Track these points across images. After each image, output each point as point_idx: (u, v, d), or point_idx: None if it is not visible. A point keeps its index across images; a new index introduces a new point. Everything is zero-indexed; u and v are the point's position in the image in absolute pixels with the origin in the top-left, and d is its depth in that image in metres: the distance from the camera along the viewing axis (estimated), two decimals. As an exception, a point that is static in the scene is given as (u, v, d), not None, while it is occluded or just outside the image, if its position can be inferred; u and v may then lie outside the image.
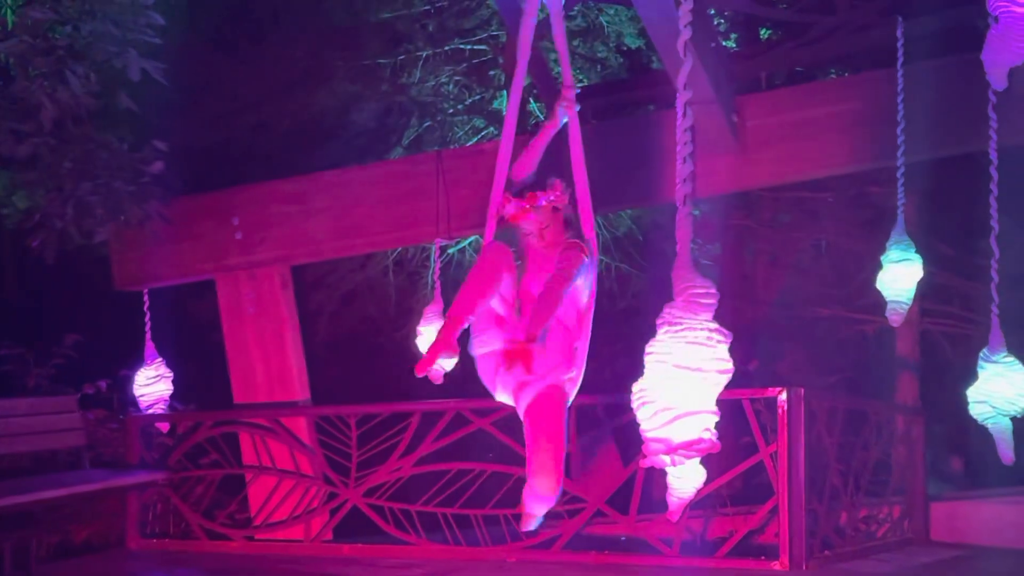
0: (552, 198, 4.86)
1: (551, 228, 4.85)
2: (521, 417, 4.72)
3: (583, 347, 4.67)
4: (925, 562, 8.28)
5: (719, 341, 3.69)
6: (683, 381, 3.64)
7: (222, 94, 10.82)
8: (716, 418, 3.73)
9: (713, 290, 3.73)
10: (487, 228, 4.91)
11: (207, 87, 10.33)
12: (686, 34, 3.68)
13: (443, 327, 4.60)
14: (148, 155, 8.36)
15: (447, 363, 7.78)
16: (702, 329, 3.66)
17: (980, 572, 8.06)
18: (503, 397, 4.78)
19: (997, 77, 4.64)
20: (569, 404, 4.64)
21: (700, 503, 8.04)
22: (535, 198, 4.84)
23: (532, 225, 4.87)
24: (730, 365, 3.72)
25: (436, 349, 4.54)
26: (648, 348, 3.71)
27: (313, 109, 12.07)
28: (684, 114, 3.78)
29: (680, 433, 3.67)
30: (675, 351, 3.65)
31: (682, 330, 3.67)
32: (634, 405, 3.76)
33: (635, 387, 3.74)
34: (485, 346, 4.67)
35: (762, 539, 8.18)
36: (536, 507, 4.74)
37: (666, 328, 3.69)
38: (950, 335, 12.45)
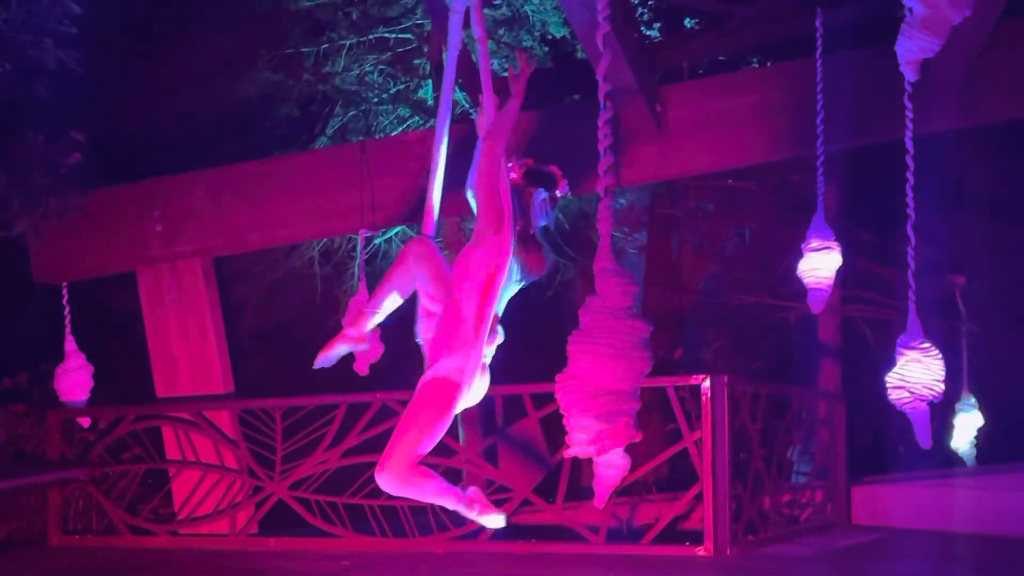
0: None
1: None
2: None
3: (479, 334, 4.13)
4: (846, 545, 8.42)
5: (640, 332, 3.72)
6: (607, 370, 3.68)
7: (142, 84, 10.64)
8: (637, 406, 3.77)
9: (634, 280, 3.77)
10: (425, 220, 4.56)
11: (126, 77, 10.15)
12: (605, 27, 3.70)
13: (356, 318, 4.54)
14: (66, 146, 8.22)
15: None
16: (624, 318, 3.70)
17: (899, 554, 8.20)
18: None
19: (911, 69, 4.72)
20: (460, 395, 4.12)
21: (626, 490, 8.12)
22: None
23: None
24: (650, 353, 3.75)
25: (336, 338, 4.48)
26: (572, 338, 3.74)
27: (235, 99, 11.92)
28: (604, 106, 3.79)
29: (603, 420, 3.70)
30: (599, 340, 3.69)
31: (604, 319, 3.70)
32: (558, 394, 3.79)
33: (559, 376, 3.77)
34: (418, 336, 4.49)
35: (688, 525, 8.28)
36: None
37: (589, 319, 3.72)
38: (871, 321, 12.65)
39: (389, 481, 4.03)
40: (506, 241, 4.03)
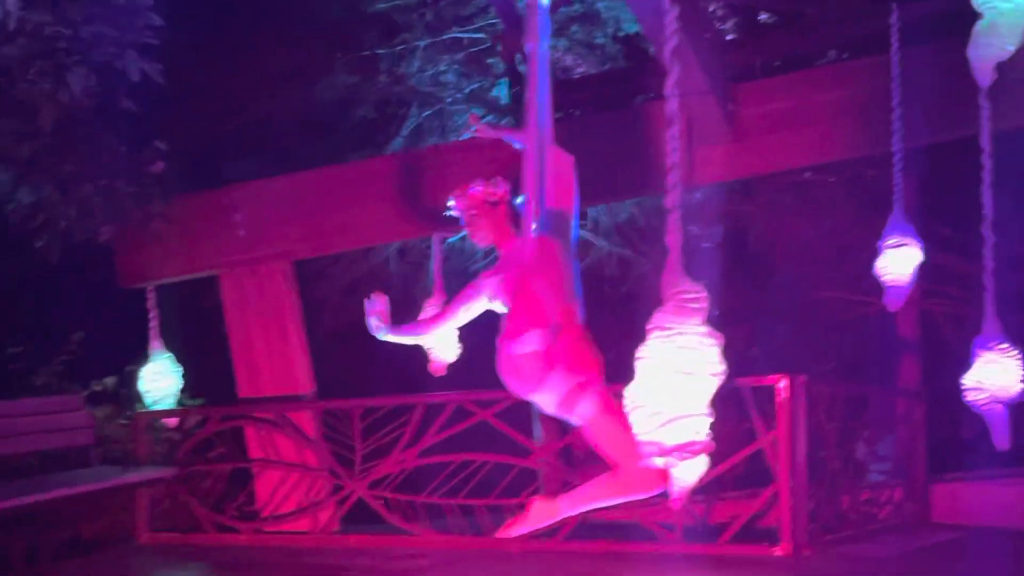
0: (484, 189, 4.80)
1: (481, 219, 4.80)
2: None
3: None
4: (925, 544, 8.34)
5: (710, 345, 3.75)
6: (674, 385, 3.71)
7: (221, 91, 10.84)
8: (709, 420, 3.80)
9: (704, 294, 3.79)
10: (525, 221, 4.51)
11: (206, 85, 10.36)
12: (672, 42, 3.73)
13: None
14: (149, 155, 8.44)
15: (447, 355, 7.87)
16: (693, 334, 3.73)
17: (978, 553, 8.12)
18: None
19: (982, 73, 4.69)
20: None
21: (703, 488, 8.10)
22: (464, 187, 4.85)
23: (462, 215, 4.87)
24: (722, 367, 3.78)
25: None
26: (638, 353, 3.78)
27: (312, 102, 12.10)
28: (672, 120, 3.82)
29: (673, 436, 3.74)
30: (666, 356, 3.72)
31: (673, 335, 3.73)
32: (627, 409, 3.83)
33: (626, 391, 3.81)
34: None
35: (765, 522, 8.24)
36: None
37: (657, 333, 3.76)
38: (951, 315, 12.48)
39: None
40: None
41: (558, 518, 4.80)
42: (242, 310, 9.64)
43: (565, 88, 11.12)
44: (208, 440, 9.47)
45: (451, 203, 4.87)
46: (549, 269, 4.39)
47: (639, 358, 3.78)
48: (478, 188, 4.72)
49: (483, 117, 13.00)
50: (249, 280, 9.57)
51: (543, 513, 4.76)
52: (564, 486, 8.38)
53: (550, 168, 4.37)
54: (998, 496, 9.36)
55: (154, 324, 9.86)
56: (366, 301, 4.47)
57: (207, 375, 10.47)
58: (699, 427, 3.75)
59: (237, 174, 9.94)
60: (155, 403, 9.73)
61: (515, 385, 4.45)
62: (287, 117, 11.95)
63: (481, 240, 4.73)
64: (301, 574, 7.67)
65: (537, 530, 7.82)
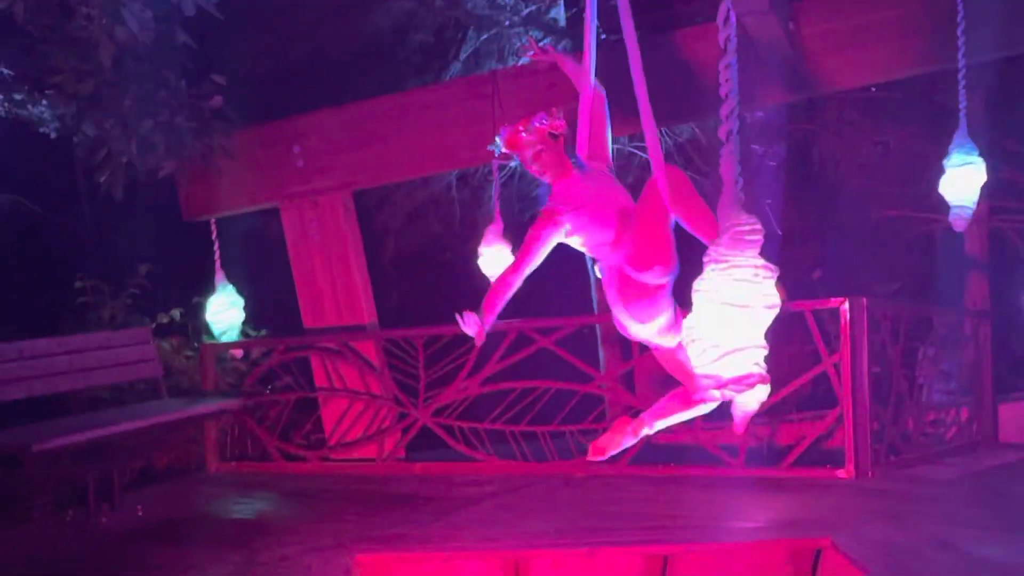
0: (548, 123, 4.69)
1: (545, 154, 4.63)
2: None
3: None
4: (991, 465, 8.28)
5: (765, 277, 3.73)
6: (730, 318, 3.69)
7: (276, 22, 10.83)
8: (765, 352, 3.78)
9: (758, 226, 3.76)
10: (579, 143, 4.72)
11: (261, 16, 10.34)
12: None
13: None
14: (207, 90, 8.47)
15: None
16: (748, 266, 3.70)
17: (1047, 474, 8.06)
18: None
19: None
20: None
21: (768, 410, 8.11)
22: (528, 121, 4.69)
23: (525, 150, 4.69)
24: (777, 300, 3.75)
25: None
26: (695, 285, 3.76)
27: (368, 30, 12.05)
28: (726, 50, 3.76)
29: (729, 369, 3.73)
30: (722, 288, 3.70)
31: (728, 267, 3.71)
32: (684, 342, 3.82)
33: (684, 323, 3.80)
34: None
35: (831, 444, 8.23)
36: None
37: (712, 266, 3.74)
38: (1022, 232, 12.27)
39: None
40: None
41: (641, 436, 4.83)
42: (304, 241, 9.70)
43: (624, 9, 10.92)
44: (274, 370, 9.61)
45: (509, 137, 4.75)
46: (664, 212, 4.37)
47: (696, 291, 3.76)
48: (544, 121, 4.64)
49: (540, 41, 12.90)
50: (309, 211, 9.62)
51: (629, 431, 4.80)
52: (627, 410, 8.43)
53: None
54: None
55: (218, 256, 9.99)
56: (459, 320, 4.43)
57: (271, 306, 10.59)
58: (755, 359, 3.74)
59: (296, 105, 9.94)
60: (221, 335, 9.89)
61: (633, 310, 4.41)
62: (345, 46, 11.91)
63: (544, 173, 4.63)
64: (368, 501, 7.78)
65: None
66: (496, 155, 4.81)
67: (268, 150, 9.73)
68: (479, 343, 4.49)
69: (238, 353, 9.82)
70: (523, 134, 4.61)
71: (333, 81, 10.88)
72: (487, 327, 4.31)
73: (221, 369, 9.79)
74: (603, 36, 9.78)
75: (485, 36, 13.11)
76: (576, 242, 4.49)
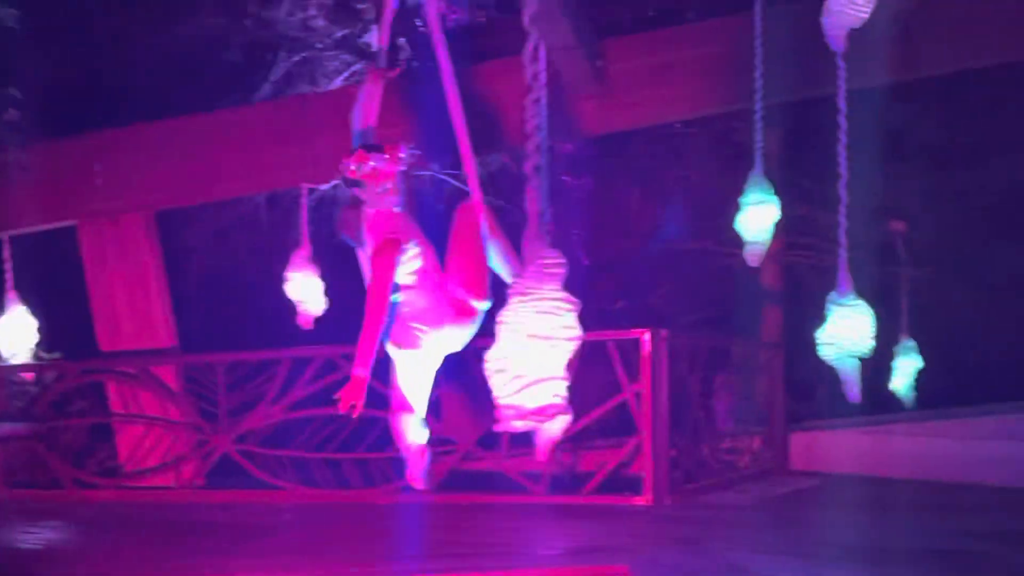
0: (408, 155, 4.65)
1: (399, 186, 4.52)
2: None
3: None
4: (782, 492, 8.60)
5: (567, 310, 3.78)
6: (534, 349, 3.73)
7: (79, 35, 10.48)
8: (566, 383, 3.83)
9: (562, 259, 3.81)
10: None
11: (63, 28, 10.00)
12: (532, 8, 3.71)
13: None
14: (2, 103, 8.15)
15: (315, 308, 7.83)
16: (551, 299, 3.75)
17: (835, 500, 8.40)
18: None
19: (836, 39, 4.79)
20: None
21: (571, 438, 8.23)
22: (397, 150, 4.51)
23: (388, 180, 4.49)
24: (578, 332, 3.80)
25: None
26: (500, 317, 3.79)
27: (176, 47, 11.76)
28: (532, 87, 3.81)
29: (532, 400, 3.76)
30: (526, 320, 3.74)
31: (532, 300, 3.75)
32: (487, 372, 3.84)
33: (488, 355, 3.81)
34: None
35: (631, 471, 8.41)
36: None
37: (518, 298, 3.77)
38: (814, 266, 12.77)
39: None
40: None
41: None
42: (102, 261, 9.41)
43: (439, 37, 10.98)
44: (67, 395, 9.26)
45: (371, 164, 4.54)
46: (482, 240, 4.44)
47: (500, 322, 3.79)
48: (406, 153, 4.54)
49: (352, 65, 12.85)
50: (109, 231, 9.35)
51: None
52: (433, 438, 8.43)
53: None
54: (852, 444, 9.67)
55: (10, 276, 9.56)
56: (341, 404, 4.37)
57: (66, 328, 10.21)
58: (557, 390, 3.78)
59: (98, 121, 9.63)
60: (10, 357, 9.47)
61: (452, 333, 4.57)
62: (152, 62, 11.60)
63: (378, 203, 4.48)
64: (164, 529, 7.56)
65: (403, 482, 7.97)
66: (348, 177, 4.55)
67: (67, 166, 9.43)
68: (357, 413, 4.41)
69: (30, 376, 9.43)
70: (396, 165, 4.51)
71: (139, 97, 10.57)
72: (368, 374, 4.21)
73: (10, 393, 9.38)
74: (415, 63, 9.83)
75: (296, 58, 12.96)
76: (405, 270, 4.42)
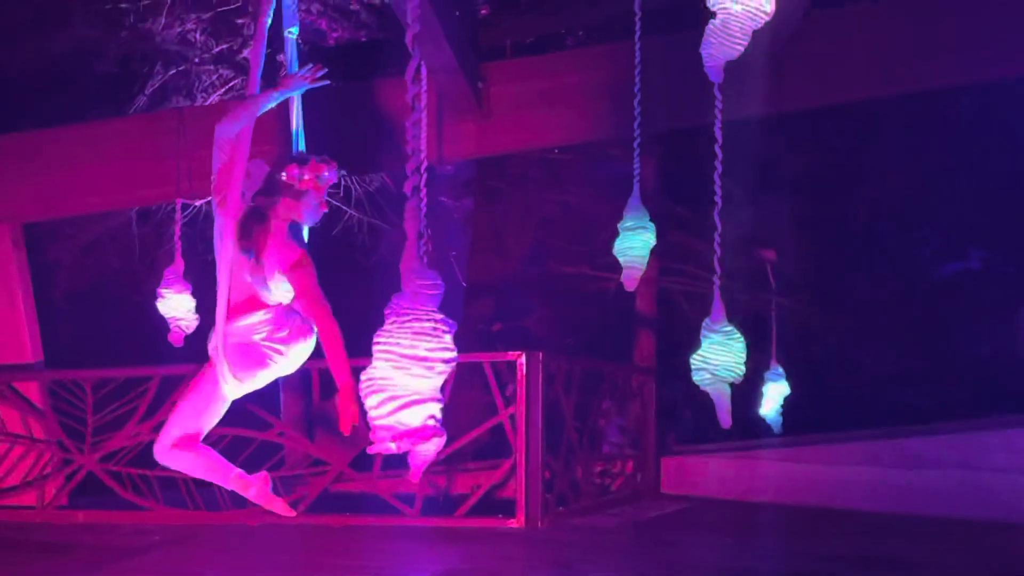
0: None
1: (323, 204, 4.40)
2: None
3: (219, 312, 4.20)
4: (653, 515, 8.72)
5: (444, 331, 3.78)
6: (409, 370, 3.72)
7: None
8: (441, 404, 3.83)
9: (439, 282, 3.80)
10: (229, 200, 4.15)
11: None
12: (414, 29, 3.71)
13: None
14: None
15: (187, 325, 7.65)
16: (428, 320, 3.74)
17: (703, 524, 8.54)
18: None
19: (714, 71, 4.88)
20: (214, 373, 4.20)
21: (446, 459, 8.23)
22: (332, 166, 4.34)
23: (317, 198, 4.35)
24: (454, 354, 3.80)
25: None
26: (376, 338, 3.76)
27: (48, 55, 11.49)
28: (413, 108, 3.81)
29: (405, 421, 3.75)
30: (402, 341, 3.73)
31: (408, 320, 3.74)
32: (362, 393, 3.82)
33: (363, 375, 3.80)
34: None
35: (505, 493, 8.44)
36: None
37: (394, 319, 3.75)
38: (687, 292, 13.01)
39: (159, 456, 4.20)
40: (228, 218, 4.13)
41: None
42: (-35, 273, 9.11)
43: (315, 56, 10.95)
44: (-76, 410, 8.95)
45: (325, 175, 4.38)
46: None
47: (376, 343, 3.77)
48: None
49: (229, 81, 12.70)
50: (-25, 241, 9.06)
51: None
52: (305, 459, 8.36)
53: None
54: (721, 469, 9.85)
55: None
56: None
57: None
58: (432, 411, 3.78)
59: (-38, 129, 9.35)
60: None
61: None
62: (22, 68, 11.31)
63: (311, 218, 4.36)
64: (25, 550, 7.33)
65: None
66: (290, 184, 4.38)
67: (-70, 175, 9.11)
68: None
69: None
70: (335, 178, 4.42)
71: (9, 106, 10.30)
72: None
73: None
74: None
75: (173, 71, 12.76)
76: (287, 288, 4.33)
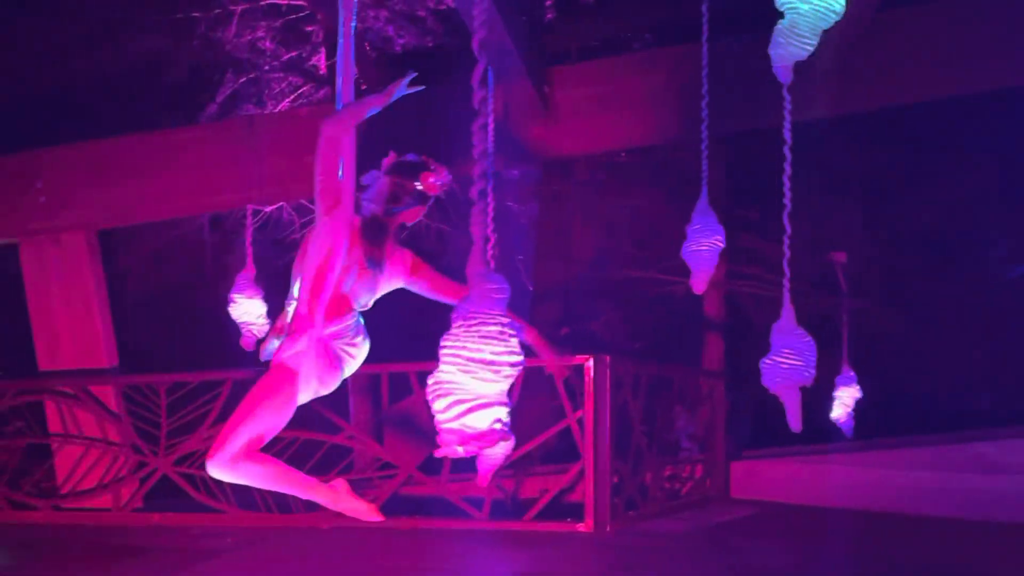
0: None
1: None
2: None
3: (314, 319, 4.09)
4: (722, 520, 8.65)
5: (511, 335, 3.79)
6: (476, 374, 3.74)
7: (24, 50, 10.40)
8: (508, 408, 3.84)
9: (505, 285, 3.82)
10: (344, 207, 4.08)
11: (7, 43, 9.92)
12: (480, 34, 3.73)
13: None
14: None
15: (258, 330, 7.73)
16: (495, 324, 3.76)
17: (773, 529, 8.47)
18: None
19: (783, 72, 4.86)
20: (298, 381, 4.06)
21: (513, 463, 8.24)
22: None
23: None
24: (521, 358, 3.81)
25: (269, 332, 4.42)
26: (443, 342, 3.79)
27: (123, 64, 11.70)
28: (479, 112, 3.83)
29: (473, 424, 3.77)
30: (469, 345, 3.74)
31: (475, 324, 3.76)
32: (429, 397, 3.84)
33: (430, 379, 3.82)
34: None
35: (573, 497, 8.42)
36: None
37: (460, 323, 3.77)
38: (755, 296, 12.91)
39: (217, 468, 3.91)
40: (340, 221, 4.03)
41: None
42: (43, 280, 9.30)
43: (383, 62, 11.07)
44: (4, 414, 9.14)
45: (448, 179, 4.41)
46: None
47: (443, 347, 3.78)
48: None
49: (299, 88, 12.84)
50: (51, 249, 9.25)
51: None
52: (374, 462, 8.42)
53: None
54: (791, 473, 9.76)
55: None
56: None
57: (5, 347, 10.09)
58: (499, 415, 3.79)
59: (41, 138, 9.55)
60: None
61: None
62: (98, 79, 11.53)
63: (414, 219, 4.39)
64: (100, 553, 7.46)
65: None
66: (424, 192, 4.39)
67: (9, 183, 9.34)
68: None
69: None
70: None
71: (83, 114, 10.51)
72: None
73: (-54, 412, 9.24)
74: (363, 88, 9.84)
75: (243, 79, 12.93)
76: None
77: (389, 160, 4.37)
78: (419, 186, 4.28)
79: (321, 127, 4.09)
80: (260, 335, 8.34)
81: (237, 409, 3.98)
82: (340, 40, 4.53)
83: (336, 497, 4.10)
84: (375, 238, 4.17)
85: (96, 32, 11.38)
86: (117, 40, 11.61)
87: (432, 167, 4.38)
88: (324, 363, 4.14)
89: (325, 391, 4.29)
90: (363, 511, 4.17)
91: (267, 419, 4.00)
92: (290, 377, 4.04)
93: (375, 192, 4.25)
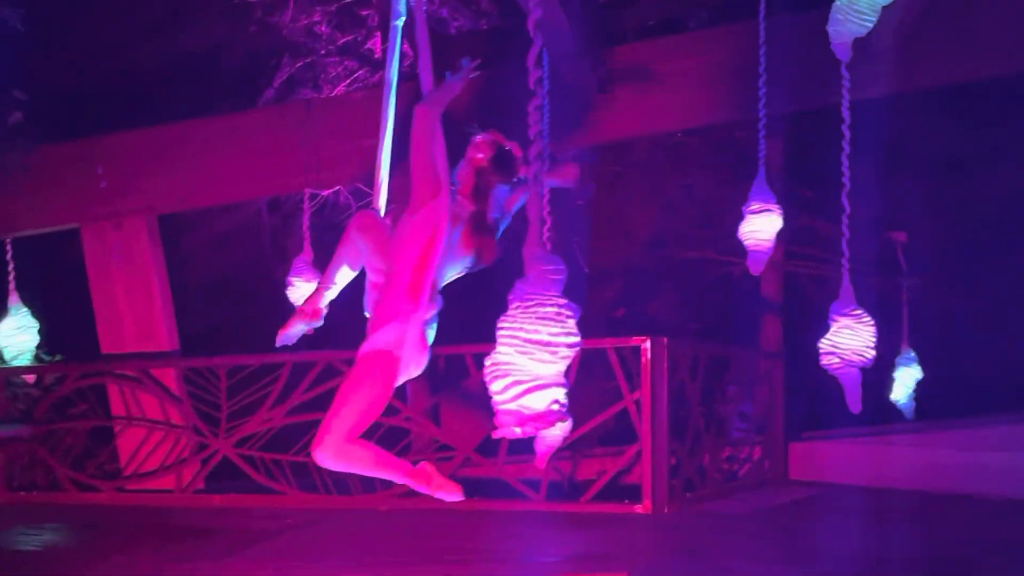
0: None
1: None
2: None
3: (417, 304, 4.12)
4: (782, 501, 8.60)
5: (568, 316, 3.79)
6: (533, 355, 3.74)
7: (84, 37, 10.52)
8: (565, 389, 3.84)
9: (562, 266, 3.82)
10: (374, 187, 4.45)
11: (70, 32, 10.04)
12: (536, 13, 3.72)
13: (310, 295, 4.54)
14: (7, 105, 8.18)
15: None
16: (551, 305, 3.76)
17: (833, 510, 8.40)
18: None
19: (842, 49, 4.81)
20: (398, 367, 4.12)
21: (571, 445, 8.24)
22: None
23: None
24: (578, 339, 3.81)
25: (293, 317, 4.50)
26: (500, 323, 3.79)
27: (180, 51, 11.80)
28: (535, 93, 3.82)
29: (530, 405, 3.77)
30: (526, 326, 3.75)
31: (532, 306, 3.76)
32: (487, 378, 3.85)
33: (487, 361, 3.82)
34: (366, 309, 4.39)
35: (630, 479, 8.41)
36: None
37: (517, 304, 3.78)
38: (814, 276, 12.79)
39: (326, 456, 3.99)
40: (443, 208, 4.06)
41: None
42: (105, 264, 9.43)
43: (437, 45, 11.03)
44: (68, 397, 9.28)
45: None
46: None
47: (500, 328, 3.79)
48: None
49: (355, 72, 12.88)
50: (112, 234, 9.38)
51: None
52: (433, 443, 8.46)
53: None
54: (851, 454, 9.68)
55: (12, 278, 9.58)
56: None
57: (68, 331, 10.22)
58: (556, 396, 3.79)
59: (102, 124, 9.67)
60: (12, 359, 9.48)
61: None
62: (155, 65, 11.64)
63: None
64: (162, 533, 7.55)
65: (403, 488, 7.96)
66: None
67: (71, 169, 9.44)
68: None
69: (31, 378, 9.44)
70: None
71: (142, 101, 10.62)
72: None
73: (12, 395, 9.39)
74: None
75: (300, 63, 13.00)
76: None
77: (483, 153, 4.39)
78: (520, 175, 4.33)
79: (416, 113, 4.13)
80: (319, 320, 8.40)
81: (338, 396, 4.01)
82: (416, 27, 4.54)
83: (427, 478, 4.13)
84: (479, 227, 4.28)
85: (155, 21, 11.50)
86: (176, 28, 11.72)
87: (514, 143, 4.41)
88: (421, 347, 4.18)
89: (416, 374, 4.31)
90: (452, 490, 4.19)
91: (372, 406, 4.07)
92: (393, 363, 4.08)
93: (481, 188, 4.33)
